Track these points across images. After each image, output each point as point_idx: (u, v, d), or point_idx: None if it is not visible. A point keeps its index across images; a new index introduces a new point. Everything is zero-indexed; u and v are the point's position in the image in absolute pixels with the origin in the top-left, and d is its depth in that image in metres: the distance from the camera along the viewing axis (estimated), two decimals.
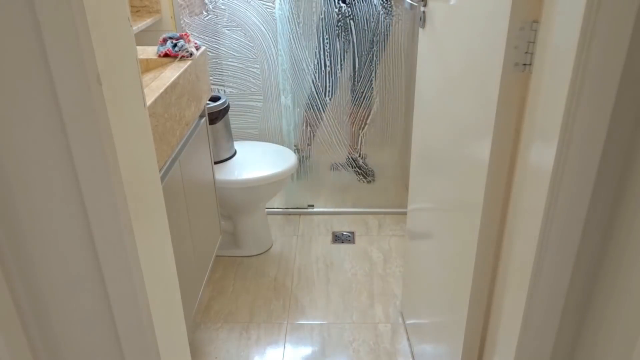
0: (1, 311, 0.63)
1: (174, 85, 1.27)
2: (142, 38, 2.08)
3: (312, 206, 2.49)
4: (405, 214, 2.28)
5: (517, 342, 0.86)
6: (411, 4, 1.39)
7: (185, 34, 1.52)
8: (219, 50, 2.21)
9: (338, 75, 2.36)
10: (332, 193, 2.67)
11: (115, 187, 0.62)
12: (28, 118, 0.58)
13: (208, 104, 1.91)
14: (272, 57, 2.25)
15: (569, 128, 0.69)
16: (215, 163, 2.00)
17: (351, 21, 2.24)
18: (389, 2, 2.21)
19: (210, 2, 2.13)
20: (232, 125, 2.24)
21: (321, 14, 2.18)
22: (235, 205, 2.04)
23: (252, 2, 2.13)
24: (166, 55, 1.46)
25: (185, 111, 1.40)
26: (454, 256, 1.14)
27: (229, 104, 2.05)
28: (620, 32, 0.63)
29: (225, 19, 2.15)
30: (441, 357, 1.29)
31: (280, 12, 2.14)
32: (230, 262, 2.13)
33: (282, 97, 2.31)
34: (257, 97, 2.33)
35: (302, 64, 2.26)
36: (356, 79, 2.40)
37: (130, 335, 0.72)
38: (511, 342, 0.88)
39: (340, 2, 2.17)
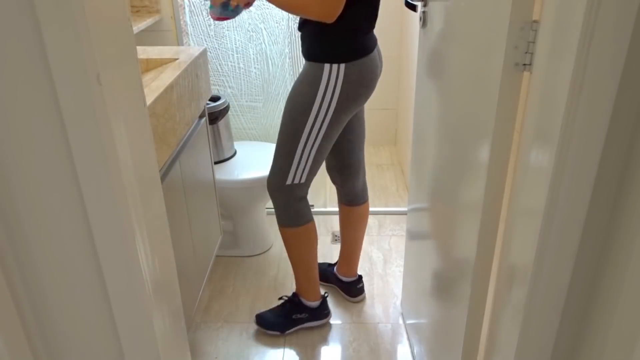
0: (1, 311, 0.63)
1: (173, 85, 1.28)
2: (142, 38, 2.08)
3: (312, 206, 2.48)
4: (405, 214, 2.28)
5: (517, 342, 0.86)
6: (411, 4, 1.39)
7: None
8: (219, 50, 2.21)
9: None
10: (332, 193, 2.67)
11: (115, 187, 0.62)
12: (28, 118, 0.58)
13: (208, 104, 1.91)
14: (272, 57, 2.25)
15: (569, 128, 0.69)
16: (215, 163, 2.00)
17: None
18: None
19: None
20: (232, 125, 2.24)
21: None
22: (235, 205, 2.04)
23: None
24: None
25: (185, 111, 1.40)
26: (454, 256, 1.14)
27: (229, 104, 2.05)
28: (620, 32, 0.63)
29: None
30: (441, 357, 1.29)
31: (281, 12, 2.13)
32: (230, 262, 2.13)
33: (283, 97, 2.31)
34: (257, 97, 2.33)
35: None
36: None
37: (130, 335, 0.72)
38: (511, 342, 0.88)
39: None
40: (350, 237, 1.84)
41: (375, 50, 1.44)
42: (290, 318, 1.75)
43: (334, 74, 1.37)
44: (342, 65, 1.37)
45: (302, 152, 1.47)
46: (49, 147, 0.60)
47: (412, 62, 2.48)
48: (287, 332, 1.74)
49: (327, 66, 1.37)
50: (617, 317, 0.74)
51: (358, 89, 1.41)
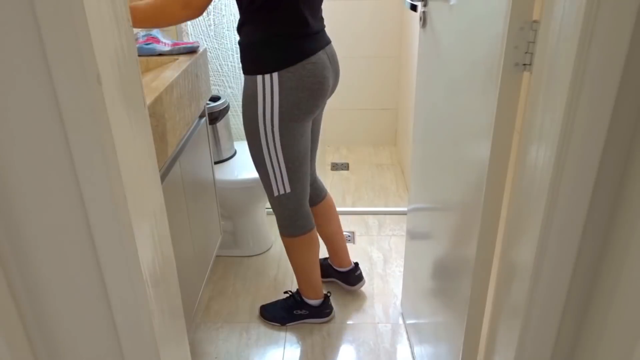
0: (1, 311, 0.63)
1: (173, 85, 1.27)
2: None
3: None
4: (405, 214, 2.28)
5: (517, 342, 0.86)
6: (411, 4, 1.39)
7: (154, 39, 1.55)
8: (219, 51, 2.21)
9: None
10: (332, 193, 2.68)
11: (115, 187, 0.62)
12: (27, 118, 0.58)
13: (208, 104, 1.91)
14: None
15: (569, 128, 0.69)
16: (215, 163, 2.00)
17: None
18: None
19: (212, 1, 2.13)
20: (232, 125, 2.24)
21: None
22: (235, 205, 2.04)
23: None
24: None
25: (185, 111, 1.40)
26: (454, 256, 1.14)
27: (229, 104, 2.05)
28: (620, 32, 0.63)
29: (225, 19, 2.15)
30: (441, 357, 1.29)
31: None
32: (230, 262, 2.13)
33: None
34: None
35: None
36: None
37: (130, 335, 0.72)
38: (511, 342, 0.88)
39: None
40: (327, 233, 1.85)
41: (321, 52, 1.39)
42: (291, 313, 1.79)
43: (267, 84, 1.34)
44: (275, 74, 1.34)
45: (272, 164, 1.47)
46: (49, 147, 0.60)
47: (412, 62, 2.48)
48: (288, 324, 1.79)
49: (259, 78, 1.35)
50: (617, 317, 0.74)
51: (299, 94, 1.37)
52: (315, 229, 1.66)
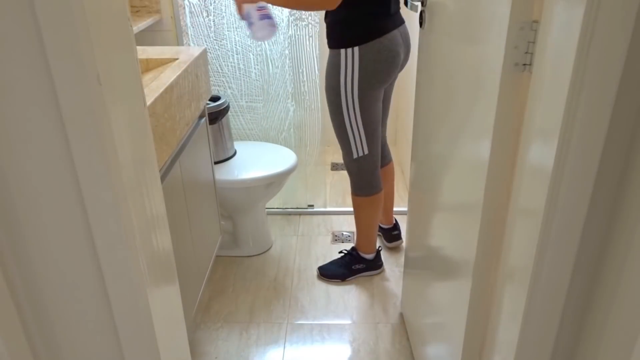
0: (1, 311, 0.63)
1: (173, 85, 1.28)
2: (142, 38, 2.08)
3: (312, 206, 2.49)
4: (405, 214, 2.28)
5: (517, 342, 0.86)
6: (411, 4, 1.39)
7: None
8: (219, 51, 2.21)
9: None
10: (332, 193, 2.68)
11: (115, 187, 0.62)
12: (28, 118, 0.58)
13: (208, 104, 1.91)
14: (272, 58, 2.25)
15: (569, 128, 0.69)
16: (215, 163, 2.00)
17: None
18: None
19: (212, 2, 2.13)
20: (232, 125, 2.24)
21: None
22: (235, 205, 2.04)
23: None
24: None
25: (185, 111, 1.40)
26: (454, 256, 1.14)
27: (229, 104, 2.05)
28: (620, 32, 0.63)
29: (226, 20, 2.15)
30: (441, 357, 1.29)
31: (281, 14, 2.14)
32: (230, 262, 2.13)
33: (283, 98, 2.31)
34: (257, 97, 2.33)
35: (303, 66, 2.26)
36: None
37: (130, 335, 0.72)
38: (511, 342, 0.88)
39: None
40: (385, 191, 2.04)
41: (396, 31, 1.61)
42: (350, 268, 1.99)
43: (349, 57, 1.57)
44: (356, 49, 1.56)
45: (352, 128, 1.69)
46: (49, 147, 0.60)
47: (412, 62, 2.47)
48: (347, 279, 1.99)
49: (342, 51, 1.58)
50: (617, 317, 0.74)
51: (376, 65, 1.60)
52: (382, 191, 1.86)
